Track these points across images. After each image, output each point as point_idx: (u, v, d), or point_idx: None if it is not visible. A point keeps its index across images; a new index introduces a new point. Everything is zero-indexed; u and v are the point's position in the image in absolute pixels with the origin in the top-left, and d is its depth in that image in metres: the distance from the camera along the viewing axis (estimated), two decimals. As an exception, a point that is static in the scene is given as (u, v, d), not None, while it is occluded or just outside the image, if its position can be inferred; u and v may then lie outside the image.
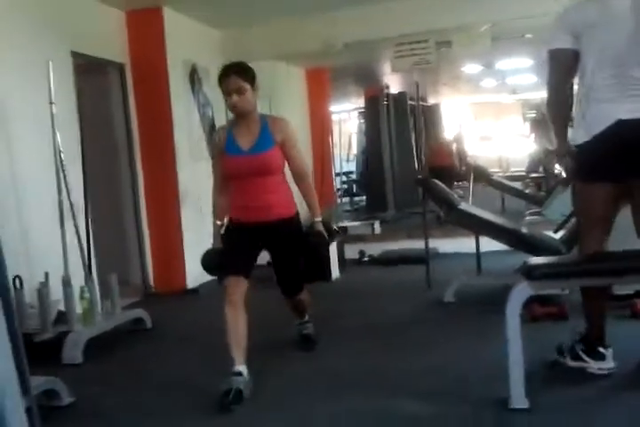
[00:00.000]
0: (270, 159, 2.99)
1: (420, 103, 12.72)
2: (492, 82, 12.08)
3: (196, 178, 5.58)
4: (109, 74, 5.38)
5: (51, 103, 3.70)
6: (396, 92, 10.70)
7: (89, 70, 5.06)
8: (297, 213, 3.17)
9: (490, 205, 7.14)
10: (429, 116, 11.89)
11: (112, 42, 5.31)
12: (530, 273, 2.47)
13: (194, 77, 6.01)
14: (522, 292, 2.47)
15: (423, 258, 4.92)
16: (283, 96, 8.01)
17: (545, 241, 4.14)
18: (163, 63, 5.49)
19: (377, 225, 7.20)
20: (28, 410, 2.08)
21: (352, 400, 2.69)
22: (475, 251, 4.64)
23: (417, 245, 5.44)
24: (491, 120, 15.27)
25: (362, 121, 12.55)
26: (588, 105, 2.57)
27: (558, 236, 4.35)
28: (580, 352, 2.78)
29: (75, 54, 4.71)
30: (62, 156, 3.75)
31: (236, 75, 2.90)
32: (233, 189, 3.09)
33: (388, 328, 3.83)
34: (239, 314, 2.90)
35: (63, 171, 3.73)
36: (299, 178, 3.14)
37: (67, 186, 3.73)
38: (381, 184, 9.55)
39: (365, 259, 6.21)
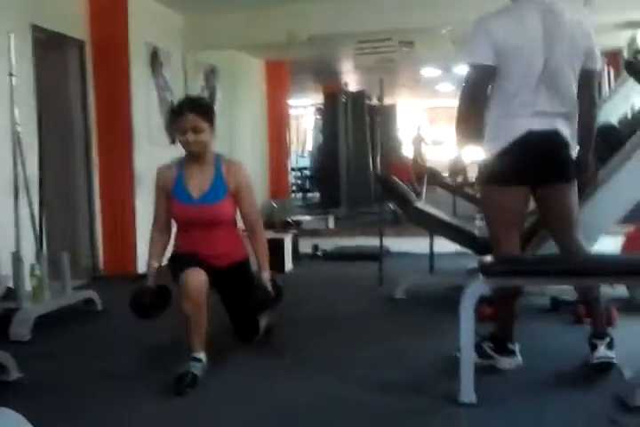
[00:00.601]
0: (222, 210, 2.86)
1: (378, 103, 12.91)
2: (448, 86, 12.26)
3: (152, 162, 5.39)
4: (69, 50, 5.24)
5: (10, 75, 3.60)
6: (355, 90, 10.78)
7: (48, 45, 4.93)
8: (247, 258, 3.07)
9: (441, 208, 7.25)
10: (385, 117, 12.01)
11: (73, 18, 5.17)
12: (487, 270, 2.52)
13: (154, 60, 5.94)
14: (477, 288, 2.52)
15: (376, 255, 4.97)
16: (242, 87, 8.00)
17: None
18: (124, 43, 5.37)
19: (331, 220, 7.25)
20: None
21: (306, 387, 2.71)
22: (427, 251, 4.72)
23: (370, 242, 5.50)
24: (444, 125, 15.49)
25: (318, 117, 12.58)
26: (503, 120, 2.71)
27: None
28: (489, 350, 2.88)
29: (35, 27, 4.59)
30: (19, 129, 3.65)
31: (193, 113, 2.75)
32: (180, 234, 2.95)
33: (340, 320, 3.85)
34: (200, 305, 2.74)
35: (19, 144, 3.63)
36: (250, 228, 2.97)
37: (22, 160, 3.63)
38: (335, 181, 9.59)
39: (319, 253, 6.24)
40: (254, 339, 3.15)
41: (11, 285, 3.65)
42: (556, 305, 3.83)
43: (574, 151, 2.79)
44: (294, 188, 11.52)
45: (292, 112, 11.45)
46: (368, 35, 6.28)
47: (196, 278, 2.72)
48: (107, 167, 5.34)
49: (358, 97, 10.59)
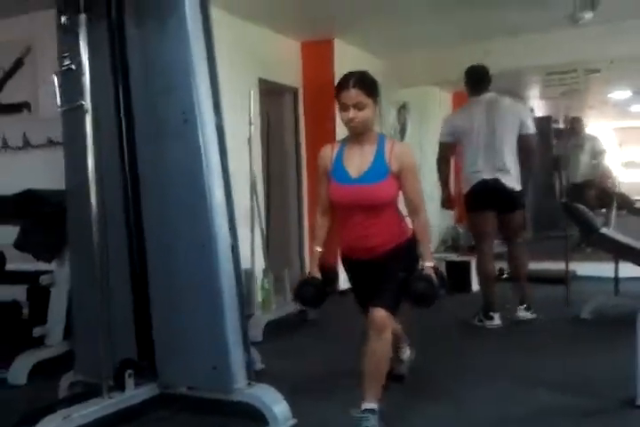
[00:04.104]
0: (382, 192, 2.59)
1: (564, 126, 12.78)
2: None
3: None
4: (285, 97, 6.13)
5: (250, 124, 4.42)
6: (541, 115, 10.90)
7: (269, 93, 5.82)
8: (410, 239, 2.72)
9: (632, 233, 7.23)
10: (573, 140, 11.92)
11: (289, 69, 6.05)
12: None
13: (355, 101, 6.64)
14: (653, 306, 2.84)
15: (561, 278, 5.23)
16: (430, 118, 8.51)
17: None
18: (331, 88, 6.02)
19: (516, 244, 7.49)
20: (248, 363, 2.74)
21: (498, 387, 3.22)
22: (613, 275, 4.91)
23: (556, 266, 5.75)
24: (637, 146, 14.90)
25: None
26: (469, 174, 4.56)
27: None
28: (481, 316, 4.59)
29: (261, 80, 5.48)
30: (255, 168, 4.47)
31: (358, 88, 2.55)
32: (337, 220, 2.75)
33: (527, 334, 4.30)
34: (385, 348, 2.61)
35: (254, 182, 4.45)
36: (411, 213, 2.71)
37: (256, 194, 4.44)
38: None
39: (504, 275, 6.52)
40: (378, 307, 2.58)
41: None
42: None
43: (519, 187, 4.52)
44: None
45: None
46: (553, 67, 6.56)
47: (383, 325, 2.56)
48: (315, 197, 6.10)
49: (544, 122, 10.69)
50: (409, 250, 2.71)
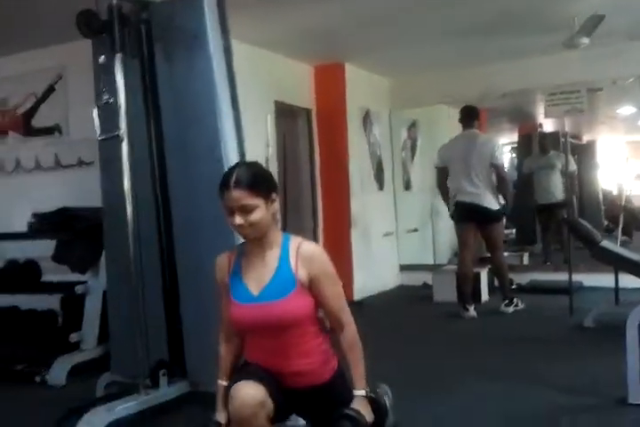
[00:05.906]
0: (289, 311, 2.06)
1: (575, 141, 13.03)
2: (647, 121, 12.15)
3: (364, 206, 6.57)
4: (299, 117, 6.47)
5: (267, 146, 4.74)
6: (551, 130, 11.16)
7: (284, 114, 6.15)
8: (337, 372, 2.18)
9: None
10: (584, 154, 12.11)
11: (302, 92, 6.39)
12: (648, 295, 3.09)
13: (366, 121, 6.97)
14: (640, 309, 3.11)
15: (567, 289, 5.48)
16: (440, 133, 8.80)
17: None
18: (343, 109, 6.51)
19: (526, 257, 7.76)
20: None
21: (503, 386, 3.49)
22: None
23: (562, 277, 6.00)
24: (647, 159, 15.06)
25: (513, 155, 12.99)
26: (454, 193, 5.51)
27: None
28: (461, 308, 5.46)
29: (276, 103, 5.82)
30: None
31: (240, 188, 2.01)
32: (246, 346, 2.21)
33: (534, 341, 4.53)
34: None
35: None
36: (335, 328, 2.15)
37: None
38: (531, 219, 9.98)
39: (513, 286, 6.76)
40: None
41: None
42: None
43: (493, 206, 5.42)
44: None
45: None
46: (557, 87, 6.83)
47: (250, 395, 1.97)
48: (328, 210, 6.49)
49: (553, 137, 10.94)
50: (339, 389, 2.15)
